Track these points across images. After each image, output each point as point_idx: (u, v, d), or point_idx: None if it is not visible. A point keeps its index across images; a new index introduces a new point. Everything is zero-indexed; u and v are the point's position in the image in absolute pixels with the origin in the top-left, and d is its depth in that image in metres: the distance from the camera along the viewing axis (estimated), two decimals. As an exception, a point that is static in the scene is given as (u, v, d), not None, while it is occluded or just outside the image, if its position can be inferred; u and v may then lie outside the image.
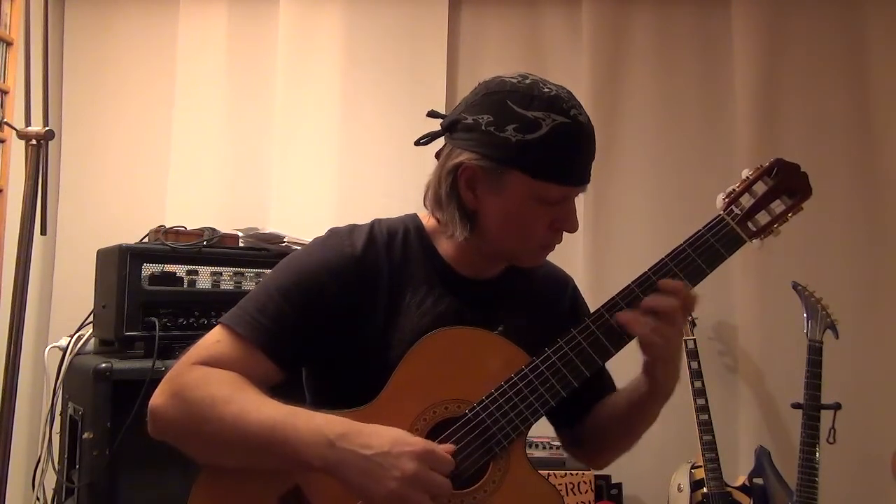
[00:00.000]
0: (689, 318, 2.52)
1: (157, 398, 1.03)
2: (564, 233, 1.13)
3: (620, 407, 1.19)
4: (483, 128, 1.05)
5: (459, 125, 1.09)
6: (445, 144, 1.13)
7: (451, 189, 1.10)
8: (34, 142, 1.47)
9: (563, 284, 1.31)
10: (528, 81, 1.06)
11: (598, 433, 1.25)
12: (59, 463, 1.96)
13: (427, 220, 1.19)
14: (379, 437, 0.94)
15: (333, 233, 1.16)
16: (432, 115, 1.16)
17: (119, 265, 1.85)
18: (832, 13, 2.82)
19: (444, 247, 1.16)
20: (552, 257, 1.32)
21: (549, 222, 1.09)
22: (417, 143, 1.16)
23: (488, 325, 1.11)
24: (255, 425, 0.96)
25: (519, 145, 1.03)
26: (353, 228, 1.16)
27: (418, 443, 0.95)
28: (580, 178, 1.08)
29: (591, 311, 1.12)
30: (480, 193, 1.08)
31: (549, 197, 1.06)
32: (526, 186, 1.05)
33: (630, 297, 1.09)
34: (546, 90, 1.05)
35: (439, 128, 1.14)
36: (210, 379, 1.01)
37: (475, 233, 1.11)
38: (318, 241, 1.15)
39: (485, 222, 1.10)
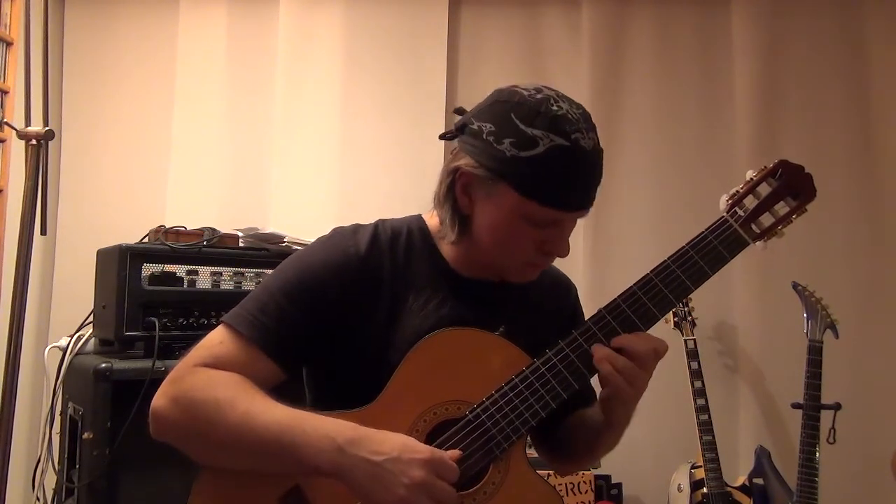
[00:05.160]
0: (690, 318, 2.52)
1: (160, 400, 1.02)
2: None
3: (585, 426, 1.20)
4: (484, 137, 1.04)
5: (467, 129, 1.08)
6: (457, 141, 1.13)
7: (448, 190, 1.10)
8: (34, 142, 1.46)
9: (565, 289, 1.30)
10: (539, 96, 1.03)
11: (566, 443, 1.25)
12: (59, 463, 1.95)
13: (431, 221, 1.19)
14: (388, 443, 0.95)
15: (337, 232, 1.16)
16: (458, 111, 1.15)
17: (119, 265, 1.85)
18: (832, 13, 2.82)
19: (447, 248, 1.16)
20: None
21: (538, 243, 1.07)
22: (442, 137, 1.15)
23: (490, 328, 1.10)
24: (261, 429, 0.96)
25: (513, 160, 1.00)
26: (356, 228, 1.16)
27: (426, 450, 0.95)
28: (572, 204, 1.04)
29: (586, 314, 1.11)
30: (475, 199, 1.07)
31: (535, 217, 1.03)
32: (514, 202, 1.02)
33: (631, 299, 1.09)
34: (555, 108, 1.01)
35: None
36: (214, 381, 1.01)
37: (467, 237, 1.11)
38: (321, 240, 1.15)
39: (476, 229, 1.09)
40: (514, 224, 1.04)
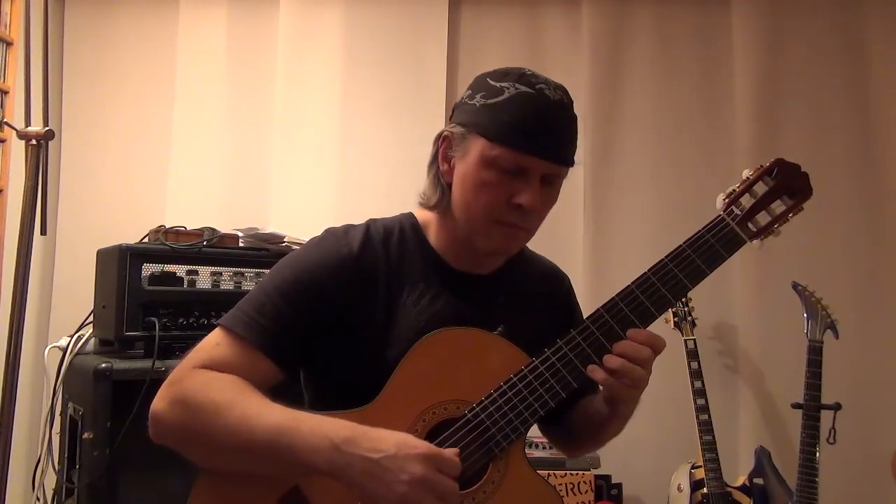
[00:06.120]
0: (690, 318, 2.52)
1: (159, 403, 1.02)
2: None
3: (589, 415, 1.22)
4: (463, 101, 1.11)
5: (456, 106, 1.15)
6: None
7: (433, 158, 1.16)
8: (34, 142, 1.46)
9: (559, 280, 1.31)
10: (517, 66, 1.10)
11: (573, 431, 1.27)
12: (59, 463, 1.96)
13: (422, 216, 1.20)
14: (385, 441, 0.94)
15: (329, 233, 1.16)
16: None
17: (119, 265, 1.85)
18: (832, 13, 2.82)
19: (437, 240, 1.17)
20: (552, 257, 1.32)
21: (507, 196, 1.07)
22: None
23: (486, 323, 1.11)
24: (259, 431, 0.96)
25: (481, 109, 1.07)
26: (348, 228, 1.16)
27: (424, 446, 0.95)
28: (533, 149, 1.04)
29: (585, 311, 1.11)
30: (453, 165, 1.11)
31: (501, 162, 1.05)
32: (480, 148, 1.06)
33: (629, 297, 1.09)
34: (527, 71, 1.08)
35: None
36: (212, 384, 1.01)
37: (447, 211, 1.14)
38: (314, 241, 1.16)
39: (452, 196, 1.12)
40: (482, 172, 1.07)
